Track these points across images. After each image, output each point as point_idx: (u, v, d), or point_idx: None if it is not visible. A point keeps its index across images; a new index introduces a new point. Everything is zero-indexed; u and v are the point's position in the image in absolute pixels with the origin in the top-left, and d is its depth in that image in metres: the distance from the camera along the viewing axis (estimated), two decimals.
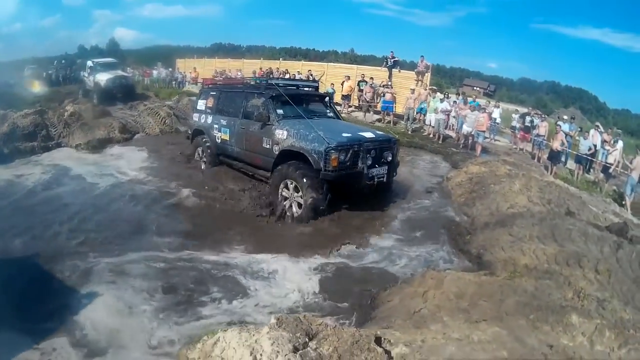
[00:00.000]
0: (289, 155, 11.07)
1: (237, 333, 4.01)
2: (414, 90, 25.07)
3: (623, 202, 17.19)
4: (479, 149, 20.34)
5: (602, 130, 22.32)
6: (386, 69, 28.63)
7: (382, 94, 26.07)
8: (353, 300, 7.37)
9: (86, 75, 35.30)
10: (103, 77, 32.44)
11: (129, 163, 17.01)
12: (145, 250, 9.06)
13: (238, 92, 13.78)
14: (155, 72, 47.37)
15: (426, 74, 27.82)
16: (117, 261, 8.46)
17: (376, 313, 6.75)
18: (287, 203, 10.96)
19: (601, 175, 19.82)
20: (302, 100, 12.82)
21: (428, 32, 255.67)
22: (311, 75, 28.09)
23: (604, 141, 20.40)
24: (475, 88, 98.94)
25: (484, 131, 21.22)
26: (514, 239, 8.87)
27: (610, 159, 19.15)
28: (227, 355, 3.83)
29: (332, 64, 34.47)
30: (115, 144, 20.20)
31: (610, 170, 19.01)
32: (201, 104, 15.27)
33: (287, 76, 28.65)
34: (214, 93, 14.78)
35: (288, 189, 10.94)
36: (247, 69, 35.75)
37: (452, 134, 23.90)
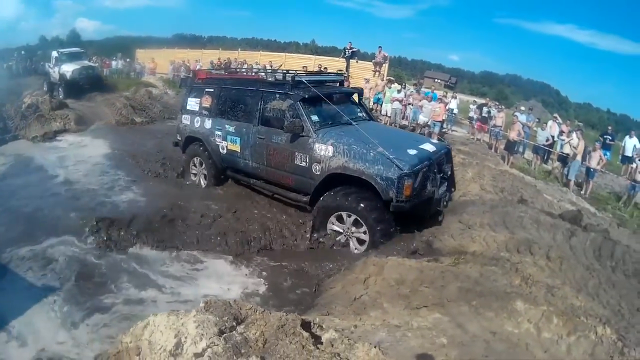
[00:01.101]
0: (338, 178, 8.88)
1: (166, 317, 3.88)
2: (368, 80, 25.40)
3: (581, 191, 17.81)
4: (434, 138, 19.72)
5: (561, 121, 22.60)
6: (344, 59, 28.40)
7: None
8: None
9: (51, 66, 32.91)
10: (69, 68, 30.60)
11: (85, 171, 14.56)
12: None
13: (250, 90, 10.79)
14: (114, 63, 46.74)
15: (384, 65, 28.07)
16: None
17: (319, 300, 6.68)
18: (341, 238, 8.86)
19: (556, 163, 20.26)
20: (334, 100, 10.17)
21: (390, 24, 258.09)
22: (271, 65, 27.65)
23: (561, 132, 20.77)
24: (436, 80, 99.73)
25: (440, 121, 21.32)
26: (464, 227, 8.74)
27: (567, 149, 19.36)
28: (155, 338, 3.74)
29: (290, 54, 34.07)
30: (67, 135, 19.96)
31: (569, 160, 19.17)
32: (193, 104, 12.41)
33: (245, 66, 28.31)
34: (212, 90, 11.84)
35: (342, 222, 8.78)
36: (205, 59, 35.58)
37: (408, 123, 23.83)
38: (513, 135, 19.74)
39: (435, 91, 26.59)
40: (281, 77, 10.43)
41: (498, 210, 9.57)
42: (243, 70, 17.10)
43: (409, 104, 23.64)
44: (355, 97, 11.71)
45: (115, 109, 24.21)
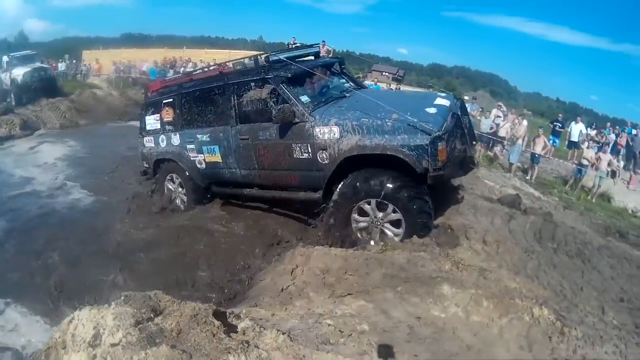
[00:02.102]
0: (353, 162, 7.49)
1: (88, 311, 3.91)
2: None
3: (527, 176, 18.40)
4: None
5: (505, 109, 23.00)
6: None
7: None
8: None
9: (1, 72, 29.71)
10: (19, 72, 27.99)
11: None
12: None
13: (217, 87, 9.13)
14: (60, 65, 44.92)
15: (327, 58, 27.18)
16: None
17: (250, 292, 6.67)
18: (370, 229, 7.57)
19: (496, 148, 20.88)
20: (315, 76, 8.91)
21: (340, 19, 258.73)
22: (215, 63, 27.09)
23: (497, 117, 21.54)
24: (384, 73, 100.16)
25: None
26: None
27: (502, 133, 20.47)
28: (78, 331, 3.79)
29: (235, 51, 33.58)
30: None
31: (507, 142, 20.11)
32: (153, 121, 10.68)
33: (189, 65, 28.30)
34: (171, 100, 10.09)
35: (365, 214, 7.53)
36: (151, 58, 34.71)
37: None
38: None
39: (378, 83, 26.43)
40: (252, 61, 8.84)
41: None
42: (199, 69, 11.96)
43: None
44: (337, 67, 10.05)
45: (60, 112, 23.87)
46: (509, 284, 5.90)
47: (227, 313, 4.29)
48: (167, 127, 10.35)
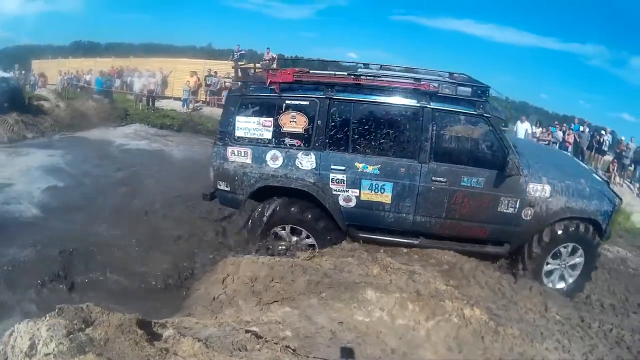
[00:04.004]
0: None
1: (26, 323, 3.92)
2: None
3: None
4: None
5: None
6: (232, 62, 27.83)
7: (225, 87, 25.52)
8: None
9: None
10: None
11: None
12: None
13: (408, 107, 7.17)
14: (10, 75, 43.92)
15: (272, 66, 27.05)
16: None
17: (185, 303, 6.51)
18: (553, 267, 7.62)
19: None
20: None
21: (289, 24, 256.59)
22: (162, 72, 27.61)
23: None
24: None
25: None
26: None
27: None
28: (17, 343, 3.81)
29: (182, 59, 32.99)
30: None
31: None
32: (253, 126, 7.53)
33: (135, 74, 28.04)
34: (307, 104, 7.34)
35: (557, 258, 7.57)
36: (98, 68, 33.78)
37: None
38: None
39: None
40: (466, 89, 7.06)
41: None
42: (372, 73, 8.49)
43: None
44: None
45: (8, 126, 22.01)
46: (439, 286, 5.90)
47: (152, 322, 4.32)
48: (289, 141, 7.42)
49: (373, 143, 7.10)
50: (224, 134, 7.60)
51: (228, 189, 7.68)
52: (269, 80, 7.28)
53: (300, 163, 7.25)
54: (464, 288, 6.29)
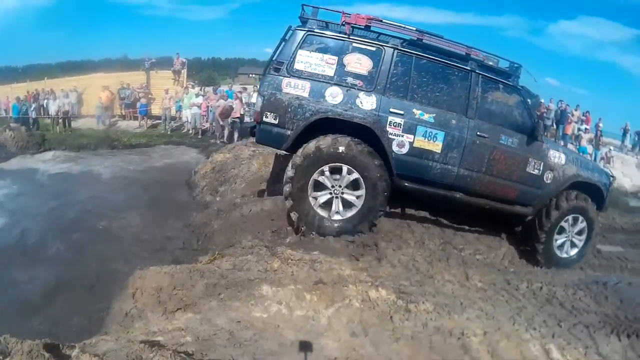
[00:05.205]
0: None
1: None
2: (167, 90, 24.98)
3: None
4: (226, 134, 20.34)
5: None
6: (144, 72, 27.35)
7: (138, 99, 25.55)
8: None
9: None
10: None
11: None
12: None
13: (460, 69, 7.81)
14: None
15: (182, 71, 27.45)
16: None
17: (105, 322, 6.31)
18: (562, 240, 8.52)
19: None
20: None
21: (204, 26, 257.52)
22: (76, 90, 26.88)
23: None
24: (251, 75, 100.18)
25: (238, 118, 20.76)
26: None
27: None
28: None
29: (97, 74, 32.05)
30: None
31: None
32: (315, 62, 7.59)
33: (51, 97, 26.72)
34: (374, 50, 7.63)
35: (571, 225, 8.54)
36: (14, 94, 32.28)
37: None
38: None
39: (232, 88, 26.15)
40: (502, 63, 8.23)
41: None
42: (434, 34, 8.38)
43: (208, 106, 23.44)
44: None
45: None
46: (343, 272, 5.92)
47: (61, 345, 4.28)
48: (351, 81, 7.52)
49: (429, 94, 7.61)
50: (281, 64, 7.55)
51: (276, 121, 7.52)
52: (342, 20, 7.62)
53: (361, 102, 7.40)
54: (373, 269, 6.28)
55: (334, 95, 7.36)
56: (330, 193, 7.49)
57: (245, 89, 26.06)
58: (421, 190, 7.76)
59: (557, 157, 8.12)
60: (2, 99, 30.70)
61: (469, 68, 7.72)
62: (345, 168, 7.33)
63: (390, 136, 7.41)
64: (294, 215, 7.51)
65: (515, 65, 8.19)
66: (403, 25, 7.87)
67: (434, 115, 7.48)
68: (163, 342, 4.45)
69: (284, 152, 8.44)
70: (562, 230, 8.41)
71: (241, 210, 9.23)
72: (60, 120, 25.19)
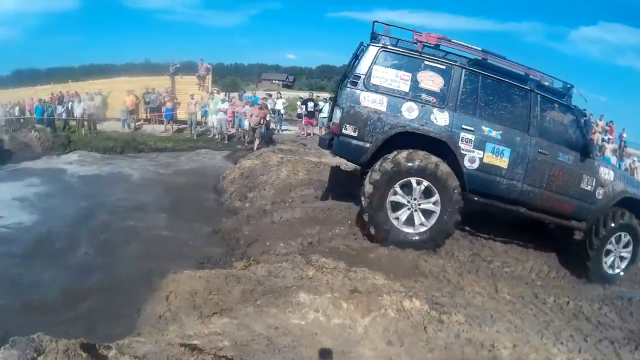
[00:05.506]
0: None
1: None
2: (193, 95, 25.06)
3: None
4: (256, 143, 20.17)
5: None
6: (169, 77, 27.53)
7: (164, 103, 25.61)
8: None
9: None
10: None
11: None
12: None
13: (520, 88, 8.14)
14: None
15: (207, 77, 27.38)
16: None
17: (137, 323, 6.33)
18: (611, 258, 8.65)
19: None
20: None
21: (224, 32, 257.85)
22: (101, 93, 27.04)
23: None
24: (274, 81, 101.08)
25: (263, 124, 20.89)
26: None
27: None
28: None
29: (120, 79, 32.29)
30: None
31: None
32: (390, 77, 7.83)
33: (76, 99, 26.58)
34: (444, 68, 7.94)
35: (616, 243, 8.62)
36: (38, 96, 32.61)
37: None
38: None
39: (257, 94, 26.27)
40: (556, 83, 8.52)
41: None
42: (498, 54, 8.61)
43: (234, 112, 23.56)
44: None
45: None
46: (377, 281, 5.95)
47: (97, 345, 4.29)
48: (424, 98, 7.79)
49: (495, 112, 7.93)
50: (358, 77, 7.77)
51: (355, 134, 7.73)
52: (415, 38, 7.95)
53: (435, 118, 7.67)
54: (405, 280, 6.34)
55: (410, 111, 7.62)
56: (409, 208, 7.67)
57: (270, 95, 26.12)
58: (490, 204, 8.12)
59: (607, 173, 8.40)
60: (27, 101, 30.66)
61: (529, 88, 8.04)
62: (413, 180, 7.53)
63: (462, 152, 7.69)
64: (372, 230, 7.67)
65: (568, 85, 8.43)
66: (469, 45, 8.18)
67: (501, 132, 7.80)
68: (200, 346, 4.48)
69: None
70: (609, 251, 8.52)
71: (272, 217, 9.31)
72: (86, 123, 25.36)
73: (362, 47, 8.29)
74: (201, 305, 5.68)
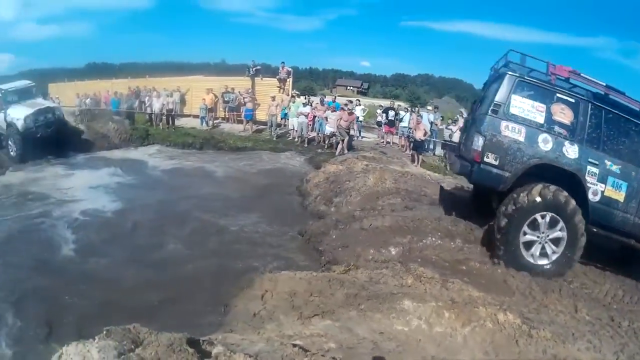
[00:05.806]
0: None
1: (75, 346, 3.90)
2: (274, 97, 25.04)
3: None
4: (339, 148, 20.05)
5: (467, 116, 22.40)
6: (249, 78, 27.95)
7: (244, 103, 25.76)
8: None
9: None
10: (19, 114, 19.04)
11: None
12: None
13: (634, 124, 8.25)
14: None
15: (288, 80, 27.34)
16: None
17: (226, 319, 6.56)
18: None
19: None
20: None
21: (299, 36, 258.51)
22: (179, 90, 27.55)
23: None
24: (348, 88, 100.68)
25: (347, 130, 20.66)
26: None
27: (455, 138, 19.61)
28: None
29: (197, 77, 32.95)
30: None
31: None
32: (527, 108, 8.16)
33: (154, 94, 27.08)
34: (573, 101, 8.17)
35: None
36: (114, 89, 33.27)
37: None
38: (419, 134, 19.41)
39: (337, 100, 26.46)
40: None
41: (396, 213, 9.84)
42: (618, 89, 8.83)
43: (315, 116, 23.53)
44: None
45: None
46: (472, 293, 6.08)
47: (201, 340, 4.35)
48: (558, 130, 8.06)
49: (614, 147, 7.97)
50: (496, 107, 8.02)
51: (496, 162, 7.96)
52: (549, 70, 8.22)
53: (567, 151, 7.84)
54: (496, 294, 6.48)
55: (545, 142, 7.85)
56: (539, 242, 7.86)
57: (350, 101, 25.74)
58: (608, 236, 8.14)
59: None
60: (102, 93, 31.73)
61: None
62: (538, 215, 7.74)
63: (587, 184, 7.83)
64: (505, 262, 7.77)
65: None
66: (595, 80, 8.35)
67: (620, 166, 7.90)
68: (305, 347, 4.55)
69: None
70: None
71: (361, 223, 9.33)
72: (164, 118, 25.82)
73: (496, 74, 8.62)
74: (301, 306, 5.83)
